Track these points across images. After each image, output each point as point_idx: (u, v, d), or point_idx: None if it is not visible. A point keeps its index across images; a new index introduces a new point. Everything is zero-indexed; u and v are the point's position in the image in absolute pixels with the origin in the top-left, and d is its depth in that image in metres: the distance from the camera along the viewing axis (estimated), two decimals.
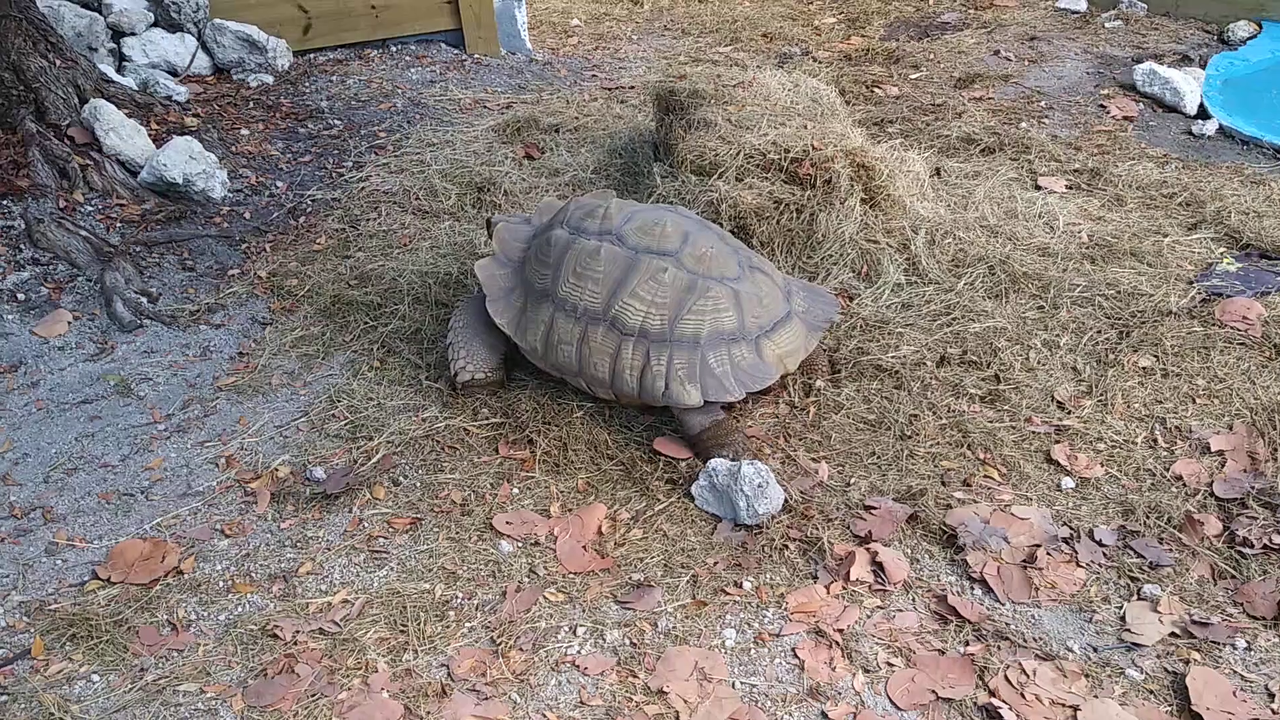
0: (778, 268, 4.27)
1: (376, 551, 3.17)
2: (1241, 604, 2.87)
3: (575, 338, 3.50)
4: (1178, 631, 2.80)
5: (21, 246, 4.47)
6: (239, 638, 2.89)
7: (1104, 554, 3.05)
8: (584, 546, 3.16)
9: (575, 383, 3.62)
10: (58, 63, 5.17)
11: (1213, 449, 3.38)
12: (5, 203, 4.61)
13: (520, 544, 3.19)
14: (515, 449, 3.55)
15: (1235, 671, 2.69)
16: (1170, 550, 3.05)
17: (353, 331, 4.18)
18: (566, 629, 2.89)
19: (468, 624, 2.91)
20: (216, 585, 3.08)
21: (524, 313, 3.65)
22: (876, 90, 6.31)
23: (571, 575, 3.07)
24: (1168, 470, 3.33)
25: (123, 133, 5.02)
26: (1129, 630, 2.81)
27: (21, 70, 5.03)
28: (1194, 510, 3.16)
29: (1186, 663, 2.71)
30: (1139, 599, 2.91)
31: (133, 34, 6.12)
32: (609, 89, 6.59)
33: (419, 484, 3.43)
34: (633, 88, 6.58)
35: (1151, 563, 3.00)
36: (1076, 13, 7.45)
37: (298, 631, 2.88)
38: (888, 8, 7.96)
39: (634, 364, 3.43)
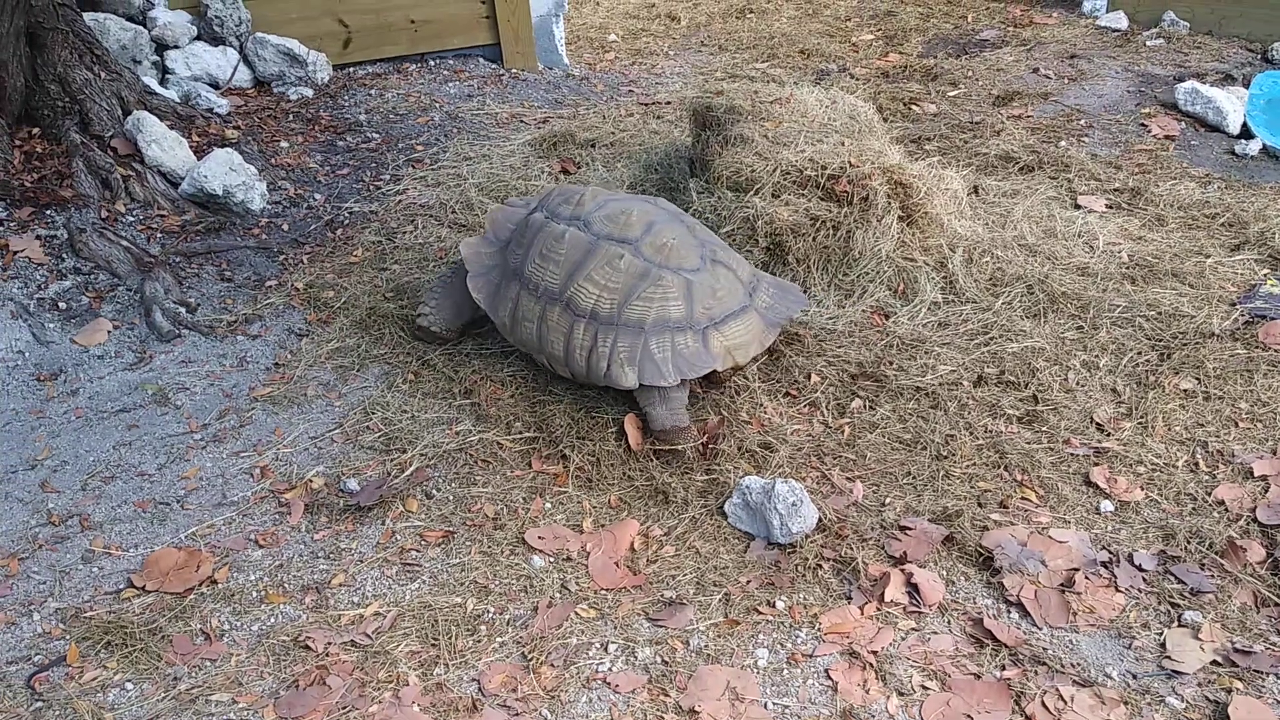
0: (813, 284, 4.26)
1: (409, 564, 3.17)
2: None
3: (536, 316, 3.68)
4: (1219, 660, 2.75)
5: (64, 256, 4.53)
6: (271, 648, 2.89)
7: (1144, 579, 3.00)
8: (616, 563, 3.15)
9: (539, 360, 3.80)
10: (102, 75, 5.24)
11: (1256, 474, 3.33)
12: (49, 212, 4.67)
13: (552, 559, 3.18)
14: (548, 463, 3.55)
15: (1278, 701, 2.63)
16: (1212, 576, 2.99)
17: (388, 344, 4.20)
18: (598, 645, 2.87)
19: (499, 639, 2.90)
20: (250, 595, 3.09)
21: (498, 289, 3.85)
22: (914, 107, 6.28)
23: (603, 591, 3.06)
24: (1209, 495, 3.28)
25: (164, 144, 5.08)
26: (1169, 657, 2.76)
27: (67, 82, 5.11)
28: (1236, 536, 3.10)
29: (1229, 692, 2.65)
30: (1180, 626, 2.86)
31: (176, 47, 6.20)
32: (645, 104, 6.60)
33: (452, 497, 3.43)
34: (669, 103, 6.58)
35: (1193, 589, 2.95)
36: (1117, 31, 7.39)
37: (329, 643, 2.89)
38: (926, 25, 7.94)
39: (584, 344, 3.58)
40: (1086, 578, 3.00)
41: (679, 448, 3.53)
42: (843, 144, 4.52)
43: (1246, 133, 5.72)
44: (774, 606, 2.97)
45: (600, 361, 3.54)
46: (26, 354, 4.13)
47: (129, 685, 2.80)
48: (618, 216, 3.68)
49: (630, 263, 3.56)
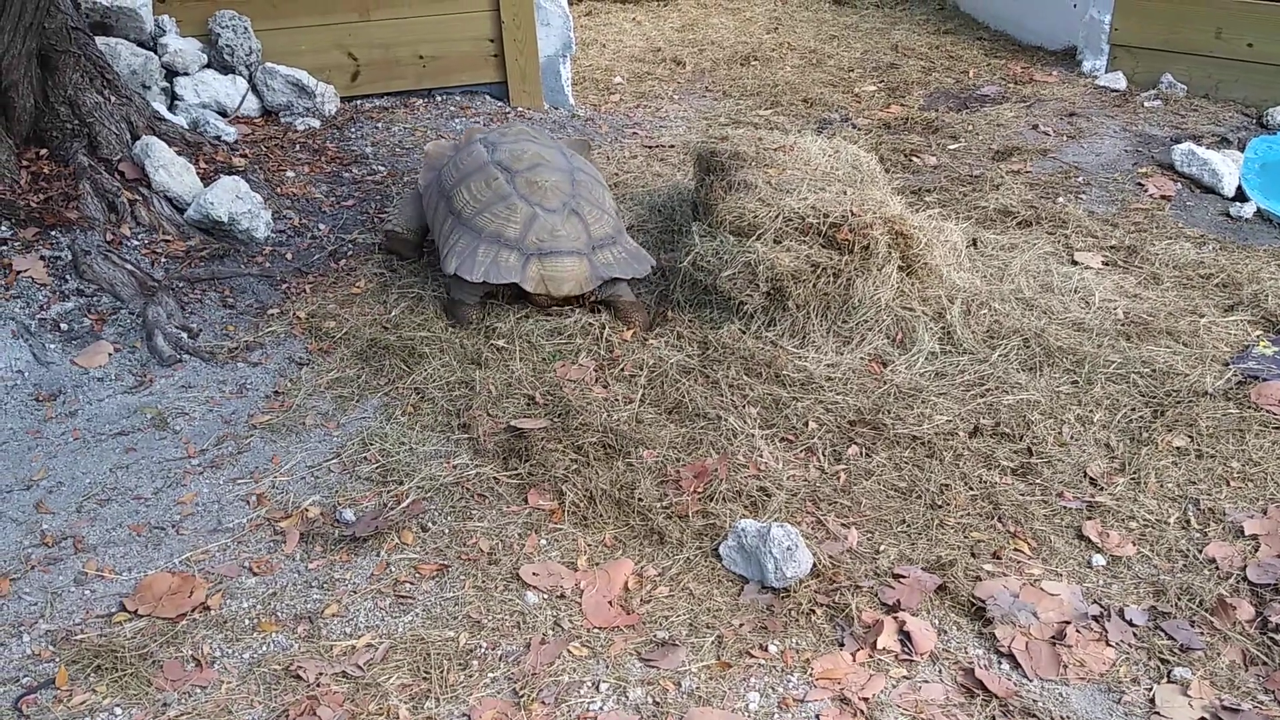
0: (812, 330, 4.28)
1: (402, 596, 3.18)
2: (1273, 691, 2.83)
3: (434, 206, 4.68)
4: (1207, 717, 2.76)
5: (67, 277, 4.55)
6: (262, 677, 2.89)
7: (1134, 634, 3.02)
8: (610, 601, 3.16)
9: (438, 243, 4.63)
10: (112, 99, 5.28)
11: (1246, 532, 3.35)
12: (54, 234, 4.70)
13: (546, 596, 3.18)
14: (544, 500, 3.56)
15: None
16: (1202, 633, 3.01)
17: (387, 375, 4.22)
18: (589, 684, 2.87)
19: (491, 674, 2.90)
20: (242, 623, 3.09)
21: (431, 184, 4.80)
22: (915, 159, 6.35)
23: (596, 630, 3.06)
24: (1200, 552, 3.30)
25: (172, 170, 5.12)
26: (1158, 713, 2.77)
27: (77, 105, 5.15)
28: (1226, 594, 3.12)
29: None
30: (1169, 681, 2.87)
31: (186, 74, 6.26)
32: (649, 147, 6.67)
33: (447, 531, 3.44)
34: (673, 146, 6.65)
35: (1182, 645, 2.97)
36: (1116, 91, 7.49)
37: (321, 674, 2.88)
38: (928, 78, 8.04)
39: (444, 233, 4.48)
40: (1078, 631, 3.01)
41: (457, 318, 4.44)
42: (845, 193, 4.57)
43: (1241, 195, 5.79)
44: (766, 650, 2.98)
45: (444, 248, 4.41)
46: (26, 374, 4.14)
47: (118, 710, 2.79)
48: (518, 152, 4.56)
49: (500, 186, 4.42)
